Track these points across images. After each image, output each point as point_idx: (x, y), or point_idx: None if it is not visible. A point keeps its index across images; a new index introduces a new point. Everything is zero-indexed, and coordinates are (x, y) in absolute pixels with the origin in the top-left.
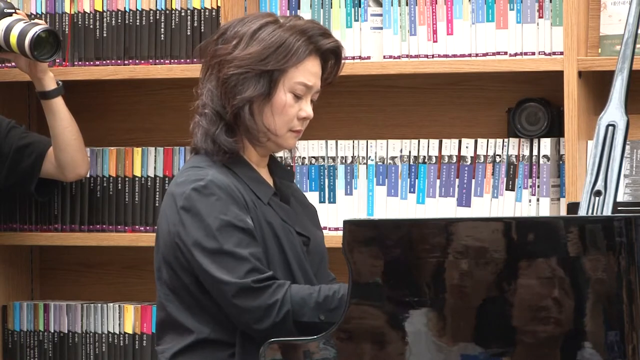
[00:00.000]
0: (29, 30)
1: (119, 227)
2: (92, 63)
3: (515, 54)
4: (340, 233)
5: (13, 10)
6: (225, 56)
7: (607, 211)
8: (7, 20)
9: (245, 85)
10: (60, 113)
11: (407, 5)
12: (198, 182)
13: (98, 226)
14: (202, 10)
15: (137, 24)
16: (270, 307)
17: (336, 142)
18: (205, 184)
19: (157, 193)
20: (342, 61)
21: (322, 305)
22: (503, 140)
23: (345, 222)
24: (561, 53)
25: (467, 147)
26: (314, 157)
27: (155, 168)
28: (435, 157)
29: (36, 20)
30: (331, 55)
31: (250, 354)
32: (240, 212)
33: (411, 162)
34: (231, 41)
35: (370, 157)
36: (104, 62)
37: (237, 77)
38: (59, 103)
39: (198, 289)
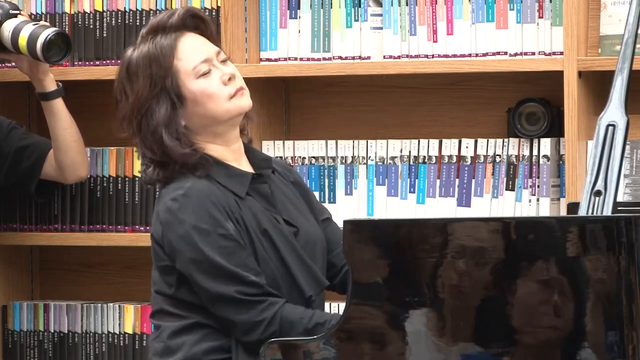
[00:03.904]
0: (40, 32)
1: (119, 227)
2: (92, 63)
3: (515, 54)
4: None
5: (18, 12)
6: (129, 113)
7: (607, 211)
8: (13, 22)
9: (153, 115)
10: (60, 114)
11: (407, 5)
12: (177, 192)
13: (98, 226)
14: (202, 11)
15: (137, 24)
16: (256, 324)
17: (336, 142)
18: (183, 192)
19: (157, 193)
20: (203, 16)
21: (310, 332)
22: (503, 140)
23: (345, 222)
24: (561, 53)
25: (467, 147)
26: (314, 157)
27: None
28: (435, 157)
29: (43, 22)
30: (191, 21)
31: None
32: (221, 217)
33: (411, 162)
34: (121, 98)
35: (370, 157)
36: (104, 62)
37: (144, 116)
38: (59, 104)
39: (184, 292)
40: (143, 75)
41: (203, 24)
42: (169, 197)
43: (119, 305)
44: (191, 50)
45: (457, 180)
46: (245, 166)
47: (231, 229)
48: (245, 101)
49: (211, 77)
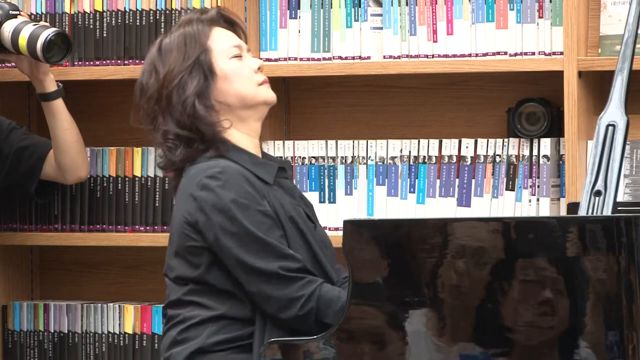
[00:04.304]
0: (40, 33)
1: (119, 227)
2: (92, 63)
3: (515, 54)
4: (340, 233)
5: (18, 12)
6: (158, 87)
7: (607, 211)
8: (13, 22)
9: (185, 87)
10: (60, 115)
11: (407, 5)
12: (212, 169)
13: (98, 226)
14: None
15: (137, 24)
16: (295, 299)
17: (336, 142)
18: (220, 169)
19: (157, 193)
20: (234, 19)
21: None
22: (503, 140)
23: (345, 222)
24: (561, 53)
25: (467, 147)
26: (314, 157)
27: (155, 168)
28: (435, 157)
29: (43, 23)
30: (224, 23)
31: (269, 332)
32: (257, 195)
33: (411, 162)
34: (150, 77)
35: (370, 157)
36: (104, 62)
37: (176, 87)
38: (59, 105)
39: (213, 274)
40: (177, 50)
41: (232, 26)
42: (203, 175)
43: (119, 305)
44: (224, 36)
45: (457, 180)
46: None
47: (267, 207)
48: (272, 93)
49: (243, 61)
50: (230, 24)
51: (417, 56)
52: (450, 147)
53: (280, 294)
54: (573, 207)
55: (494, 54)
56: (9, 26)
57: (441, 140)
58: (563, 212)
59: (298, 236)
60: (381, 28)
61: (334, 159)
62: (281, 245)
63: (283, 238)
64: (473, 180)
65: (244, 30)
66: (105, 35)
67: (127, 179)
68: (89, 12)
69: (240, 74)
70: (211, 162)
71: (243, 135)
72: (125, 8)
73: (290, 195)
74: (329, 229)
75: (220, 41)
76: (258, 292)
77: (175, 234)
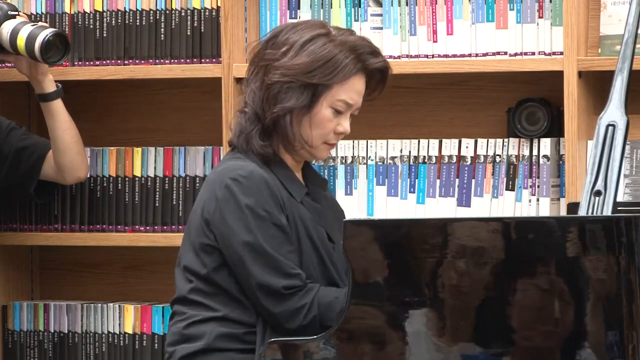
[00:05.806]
0: (39, 33)
1: (119, 227)
2: (92, 63)
3: (515, 54)
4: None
5: (17, 12)
6: (273, 62)
7: (607, 211)
8: (12, 23)
9: (289, 94)
10: (59, 115)
11: (407, 5)
12: (238, 172)
13: (98, 226)
14: (202, 10)
15: (137, 24)
16: (297, 310)
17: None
18: (245, 174)
19: (157, 193)
20: (385, 85)
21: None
22: (503, 140)
23: (346, 222)
24: (561, 53)
25: (467, 147)
26: None
27: (155, 168)
28: (435, 157)
29: (41, 23)
30: (378, 74)
31: (271, 333)
32: (276, 208)
33: (411, 162)
34: (281, 47)
35: (370, 157)
36: (104, 62)
37: (281, 85)
38: (58, 105)
39: (220, 275)
40: (313, 61)
41: (376, 86)
42: (229, 175)
43: (119, 305)
44: (352, 89)
45: (457, 180)
46: (300, 179)
47: (284, 221)
48: (325, 155)
49: (336, 119)
50: (380, 83)
51: (417, 56)
52: (450, 147)
53: (282, 308)
54: (573, 207)
55: (494, 54)
56: (7, 26)
57: (441, 140)
58: (563, 212)
59: (314, 255)
60: (381, 28)
61: (333, 159)
62: (289, 262)
63: (293, 254)
64: (473, 180)
65: (379, 90)
66: (105, 35)
67: (127, 179)
68: (89, 12)
69: (322, 126)
70: (240, 163)
71: (289, 156)
72: (125, 8)
73: (316, 214)
74: None
75: (344, 90)
76: (260, 305)
77: (192, 226)
